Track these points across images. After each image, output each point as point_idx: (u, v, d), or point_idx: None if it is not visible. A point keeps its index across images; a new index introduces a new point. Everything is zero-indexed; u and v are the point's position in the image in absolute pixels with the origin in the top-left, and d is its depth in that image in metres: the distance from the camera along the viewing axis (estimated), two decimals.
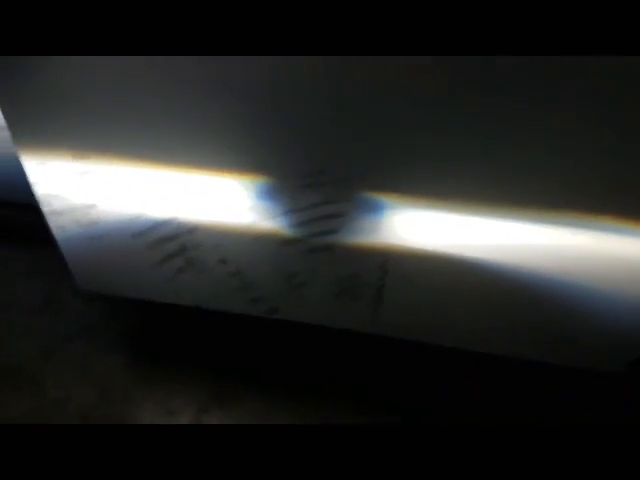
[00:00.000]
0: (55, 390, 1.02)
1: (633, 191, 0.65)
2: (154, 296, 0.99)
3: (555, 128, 0.61)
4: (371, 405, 0.98)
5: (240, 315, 0.98)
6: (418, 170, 0.69)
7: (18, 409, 0.99)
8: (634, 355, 0.84)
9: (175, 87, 0.66)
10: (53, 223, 0.88)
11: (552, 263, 0.75)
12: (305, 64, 0.61)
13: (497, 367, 1.01)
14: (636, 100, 0.57)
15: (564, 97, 0.59)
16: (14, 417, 0.98)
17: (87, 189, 0.81)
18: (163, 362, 1.06)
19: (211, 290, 0.93)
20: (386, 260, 0.81)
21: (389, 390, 1.00)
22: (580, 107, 0.59)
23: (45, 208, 0.86)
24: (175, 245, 0.87)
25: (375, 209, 0.74)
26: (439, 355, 1.02)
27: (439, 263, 0.79)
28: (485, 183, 0.69)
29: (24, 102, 0.72)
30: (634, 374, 0.90)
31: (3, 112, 0.74)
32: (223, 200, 0.79)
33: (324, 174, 0.72)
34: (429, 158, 0.68)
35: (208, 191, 0.78)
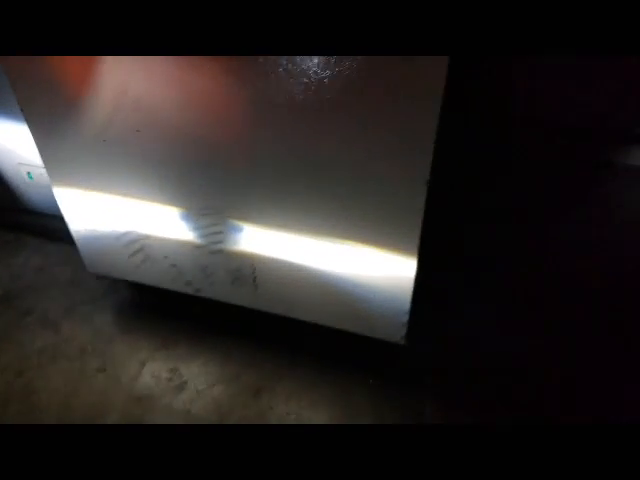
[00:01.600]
0: (67, 332, 1.63)
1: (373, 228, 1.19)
2: (131, 277, 1.59)
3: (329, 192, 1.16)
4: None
5: (185, 294, 1.55)
6: (261, 208, 1.25)
7: (42, 341, 1.61)
8: (403, 332, 1.35)
9: (141, 162, 1.27)
10: (72, 229, 1.51)
11: (339, 263, 1.29)
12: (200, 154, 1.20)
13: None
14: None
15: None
16: (40, 347, 1.60)
17: (91, 211, 1.42)
18: (137, 320, 1.66)
19: (161, 275, 1.52)
20: (253, 260, 1.37)
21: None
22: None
23: (67, 220, 1.48)
24: (138, 245, 1.47)
25: (240, 229, 1.31)
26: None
27: (283, 263, 1.34)
28: (297, 218, 1.24)
29: (59, 155, 1.34)
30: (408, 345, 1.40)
31: (45, 164, 1.37)
32: (163, 220, 1.38)
33: (209, 209, 1.30)
34: (265, 206, 1.24)
35: (155, 215, 1.37)
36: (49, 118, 1.24)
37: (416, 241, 1.15)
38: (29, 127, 1.28)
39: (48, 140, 1.29)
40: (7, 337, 1.63)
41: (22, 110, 1.25)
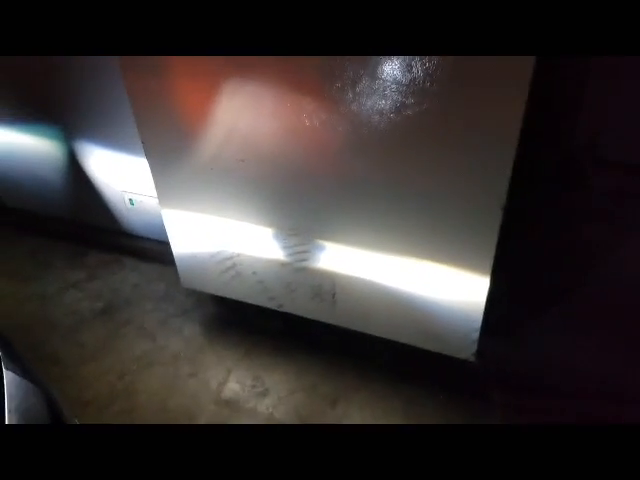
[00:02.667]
0: (161, 341, 1.82)
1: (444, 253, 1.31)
2: (221, 292, 1.76)
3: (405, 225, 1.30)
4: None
5: (266, 310, 1.71)
6: (345, 228, 1.40)
7: (140, 349, 1.80)
8: (474, 349, 1.44)
9: (241, 187, 1.45)
10: (173, 247, 1.71)
11: (415, 282, 1.41)
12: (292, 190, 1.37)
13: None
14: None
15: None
16: (139, 354, 1.78)
17: (192, 231, 1.62)
18: (222, 332, 1.83)
19: (248, 290, 1.69)
20: (334, 278, 1.51)
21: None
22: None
23: (170, 238, 1.69)
24: (230, 262, 1.64)
25: (324, 248, 1.46)
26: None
27: (362, 281, 1.48)
28: (378, 238, 1.38)
29: (170, 181, 1.55)
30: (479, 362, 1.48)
31: (157, 188, 1.58)
32: (255, 239, 1.55)
33: (298, 229, 1.46)
34: (349, 227, 1.39)
35: (249, 235, 1.55)
36: (166, 149, 1.46)
37: (490, 262, 1.26)
38: (147, 157, 1.50)
39: (162, 168, 1.51)
40: (108, 345, 1.83)
41: (143, 143, 1.47)
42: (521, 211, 1.34)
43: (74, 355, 1.80)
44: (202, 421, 1.54)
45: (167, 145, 1.45)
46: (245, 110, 1.29)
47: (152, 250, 2.15)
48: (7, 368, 1.03)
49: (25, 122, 2.05)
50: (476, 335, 1.42)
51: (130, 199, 2.06)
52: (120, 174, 2.00)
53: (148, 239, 2.17)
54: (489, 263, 1.27)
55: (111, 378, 1.70)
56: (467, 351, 1.47)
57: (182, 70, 1.29)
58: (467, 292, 1.35)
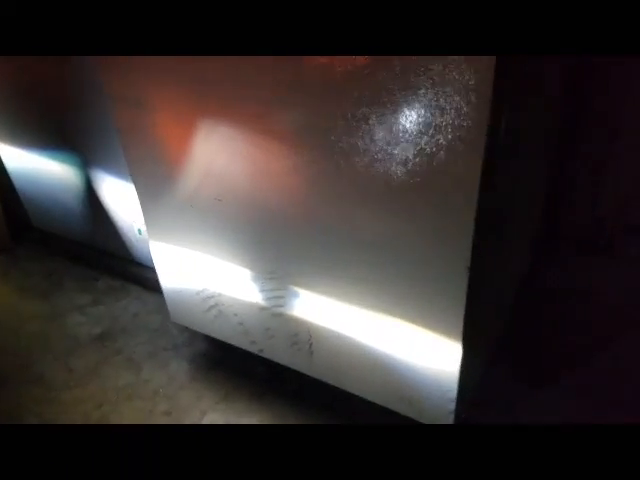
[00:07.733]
0: (146, 373, 1.80)
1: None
2: (206, 331, 1.74)
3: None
4: None
5: (250, 353, 1.66)
6: (316, 276, 1.34)
7: (124, 380, 1.79)
8: (451, 420, 1.32)
9: (219, 227, 1.43)
10: (162, 280, 1.70)
11: (389, 341, 1.31)
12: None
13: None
14: None
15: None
16: (121, 385, 1.77)
17: (178, 266, 1.61)
18: (207, 371, 1.79)
19: (230, 331, 1.65)
20: (309, 327, 1.44)
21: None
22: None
23: (158, 271, 1.68)
24: (213, 301, 1.61)
25: (298, 295, 1.40)
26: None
27: (336, 333, 1.40)
28: (352, 289, 1.31)
29: (156, 214, 1.55)
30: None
31: (145, 220, 1.58)
32: (235, 280, 1.51)
33: (275, 273, 1.41)
34: (323, 275, 1.33)
35: (229, 274, 1.52)
36: (151, 183, 1.47)
37: (460, 326, 1.15)
38: (135, 189, 1.52)
39: (149, 201, 1.52)
40: (96, 372, 1.83)
41: (131, 175, 1.49)
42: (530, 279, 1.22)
43: (60, 379, 1.81)
44: None
45: (153, 179, 1.46)
46: (221, 149, 1.27)
47: (156, 280, 2.16)
48: None
49: (49, 149, 2.15)
50: (452, 405, 1.30)
51: (139, 229, 2.10)
52: (131, 204, 2.04)
53: (153, 269, 2.18)
54: (459, 328, 1.16)
55: (88, 407, 1.70)
56: (444, 422, 1.34)
57: (165, 103, 1.30)
58: (440, 358, 1.24)
